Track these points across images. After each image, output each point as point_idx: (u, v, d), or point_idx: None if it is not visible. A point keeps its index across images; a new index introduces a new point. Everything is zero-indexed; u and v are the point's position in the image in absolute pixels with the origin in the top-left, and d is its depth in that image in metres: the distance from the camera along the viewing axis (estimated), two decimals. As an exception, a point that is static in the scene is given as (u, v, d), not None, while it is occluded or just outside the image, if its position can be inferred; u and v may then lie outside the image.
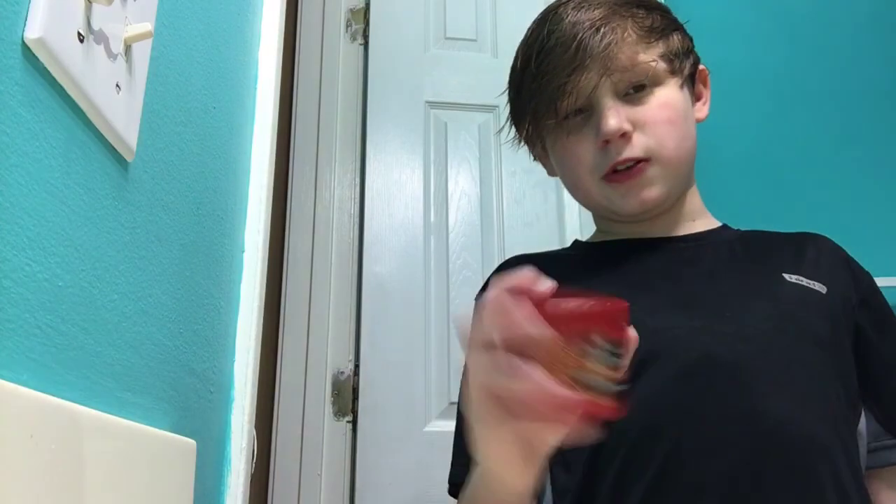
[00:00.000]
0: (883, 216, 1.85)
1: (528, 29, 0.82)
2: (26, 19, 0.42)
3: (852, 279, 0.77)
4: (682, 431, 0.64)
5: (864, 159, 1.90)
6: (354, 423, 1.63)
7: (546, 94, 0.77)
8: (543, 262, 0.80)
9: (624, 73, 0.74)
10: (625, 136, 0.74)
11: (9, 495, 0.37)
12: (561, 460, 0.70)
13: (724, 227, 0.84)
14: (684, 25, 0.84)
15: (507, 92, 0.85)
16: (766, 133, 1.91)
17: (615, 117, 0.73)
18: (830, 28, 2.01)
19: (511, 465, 0.50)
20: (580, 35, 0.74)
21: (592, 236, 0.88)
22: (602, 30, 0.74)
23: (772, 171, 1.89)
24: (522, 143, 0.87)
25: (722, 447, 0.63)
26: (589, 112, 0.76)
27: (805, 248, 0.79)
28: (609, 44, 0.73)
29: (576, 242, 0.88)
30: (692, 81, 0.82)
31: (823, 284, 0.73)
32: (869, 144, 1.92)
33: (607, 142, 0.74)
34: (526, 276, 0.44)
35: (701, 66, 0.84)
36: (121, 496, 0.50)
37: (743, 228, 0.85)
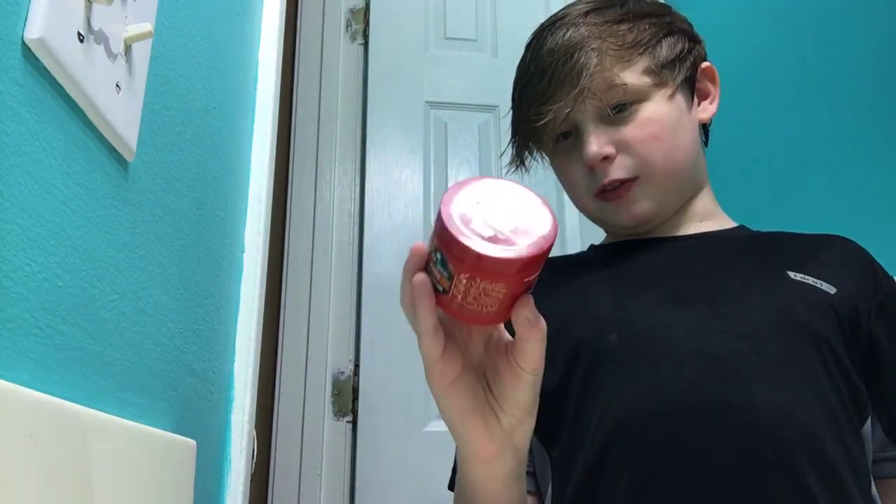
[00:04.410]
0: (884, 216, 1.85)
1: (525, 47, 0.83)
2: (26, 19, 0.42)
3: (873, 283, 0.75)
4: (675, 425, 0.64)
5: (865, 159, 1.90)
6: (354, 423, 1.63)
7: (528, 123, 0.79)
8: (560, 263, 0.83)
9: (600, 97, 0.74)
10: (608, 159, 0.75)
11: (9, 495, 0.37)
12: (553, 454, 0.71)
13: (741, 227, 0.83)
14: (688, 22, 0.83)
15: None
16: (765, 132, 1.91)
17: (595, 143, 0.75)
18: (832, 27, 2.01)
19: (467, 419, 0.52)
20: (554, 64, 0.76)
21: (604, 239, 0.89)
22: (576, 55, 0.75)
23: (771, 170, 1.89)
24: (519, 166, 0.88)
25: (716, 443, 0.63)
26: (576, 135, 0.78)
27: (820, 249, 0.77)
28: (580, 71, 0.74)
29: (591, 247, 0.89)
30: (690, 84, 0.81)
31: (833, 285, 0.72)
32: (869, 144, 1.92)
33: (592, 166, 0.76)
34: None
35: (705, 64, 0.83)
36: (121, 496, 0.50)
37: (756, 229, 0.84)
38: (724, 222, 0.83)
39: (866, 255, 0.78)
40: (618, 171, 0.75)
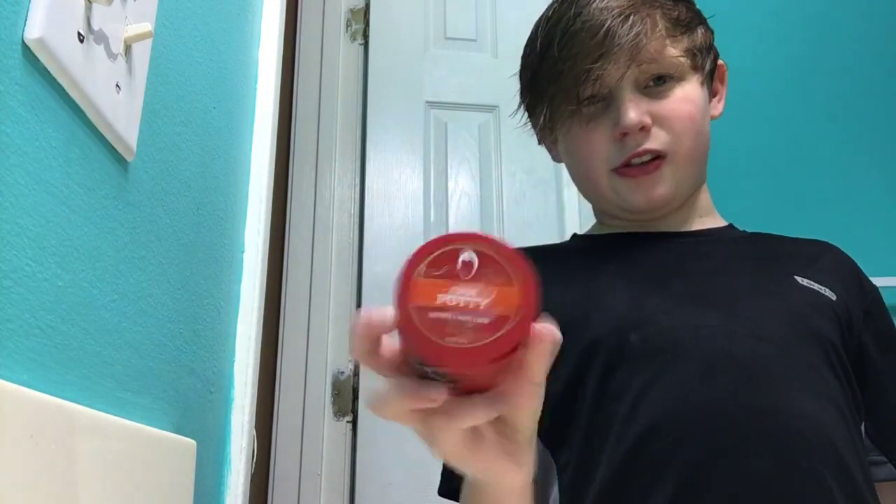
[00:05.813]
0: (883, 216, 1.85)
1: (549, 9, 0.79)
2: (26, 19, 0.43)
3: (861, 291, 0.76)
4: (707, 431, 0.63)
5: (864, 159, 1.90)
6: (354, 423, 1.63)
7: (568, 80, 0.74)
8: (543, 254, 0.79)
9: (649, 64, 0.73)
10: (644, 130, 0.73)
11: (9, 495, 0.37)
12: (561, 458, 0.70)
13: (731, 226, 0.84)
14: (707, 19, 0.82)
15: (519, 74, 0.83)
16: (765, 132, 1.91)
17: (635, 110, 0.72)
18: (834, 27, 2.00)
19: (493, 463, 0.45)
20: (609, 22, 0.72)
21: (592, 229, 0.86)
22: (632, 18, 0.72)
23: (771, 170, 1.89)
24: (529, 128, 0.84)
25: (747, 446, 0.63)
26: (607, 101, 0.74)
27: (817, 255, 0.78)
28: (638, 33, 0.71)
29: (575, 236, 0.87)
30: (711, 78, 0.81)
31: (833, 292, 0.73)
32: (869, 144, 1.92)
33: (625, 134, 0.73)
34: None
35: (720, 62, 0.82)
36: (121, 496, 0.50)
37: (743, 228, 0.85)
38: (718, 220, 0.83)
39: (853, 263, 0.80)
40: (653, 142, 0.73)
